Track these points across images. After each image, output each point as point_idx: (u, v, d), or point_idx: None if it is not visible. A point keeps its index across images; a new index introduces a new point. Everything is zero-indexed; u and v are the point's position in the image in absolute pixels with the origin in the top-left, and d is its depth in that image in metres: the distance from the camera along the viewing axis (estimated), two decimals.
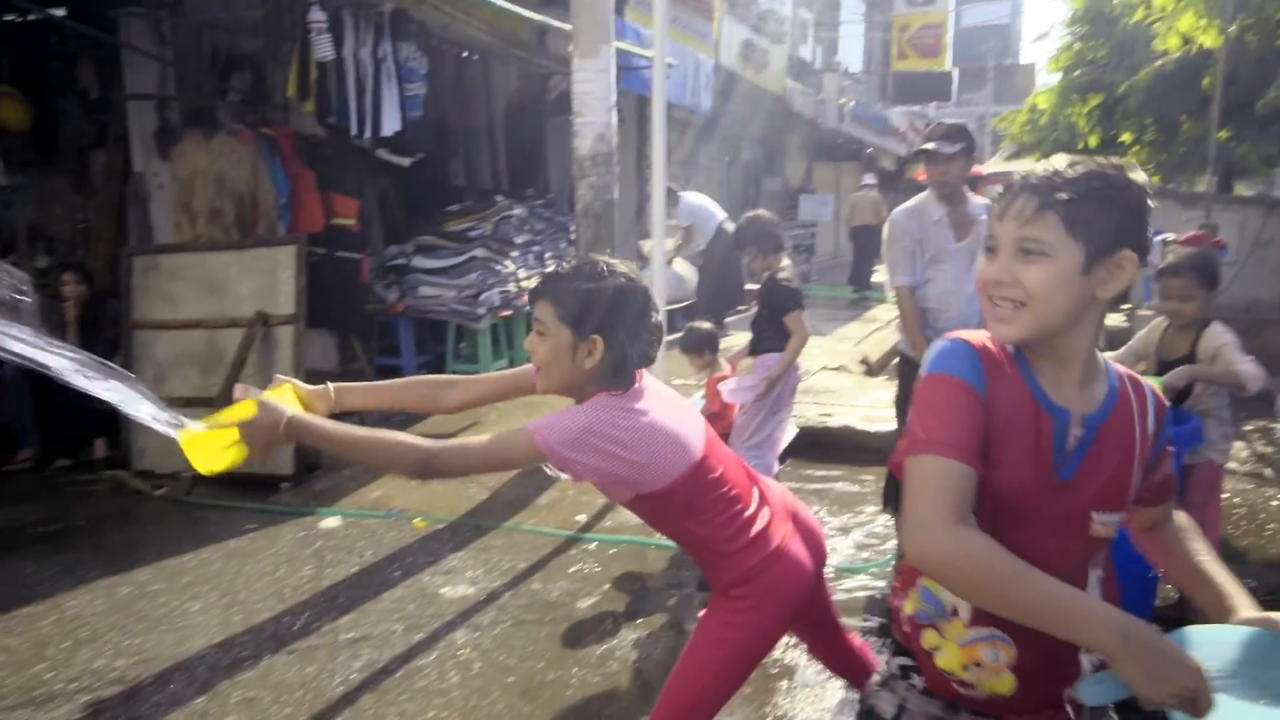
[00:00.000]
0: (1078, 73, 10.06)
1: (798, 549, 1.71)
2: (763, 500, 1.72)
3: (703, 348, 3.94)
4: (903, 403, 3.41)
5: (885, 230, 3.36)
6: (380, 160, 6.04)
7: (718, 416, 3.73)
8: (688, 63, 9.59)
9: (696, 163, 12.56)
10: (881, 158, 22.74)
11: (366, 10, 5.16)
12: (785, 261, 3.67)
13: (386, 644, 2.93)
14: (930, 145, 3.21)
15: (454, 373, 6.64)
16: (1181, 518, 1.34)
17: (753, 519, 1.66)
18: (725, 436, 3.73)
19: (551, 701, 2.61)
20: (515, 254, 6.66)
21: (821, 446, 5.18)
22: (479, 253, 6.29)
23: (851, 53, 20.67)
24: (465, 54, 6.80)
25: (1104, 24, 9.60)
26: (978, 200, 3.34)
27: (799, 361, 3.63)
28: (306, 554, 3.74)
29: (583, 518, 4.11)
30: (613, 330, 1.53)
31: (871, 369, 7.59)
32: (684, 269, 9.23)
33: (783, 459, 3.95)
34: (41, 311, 4.97)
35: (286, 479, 4.64)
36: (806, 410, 5.62)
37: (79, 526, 4.04)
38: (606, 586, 3.41)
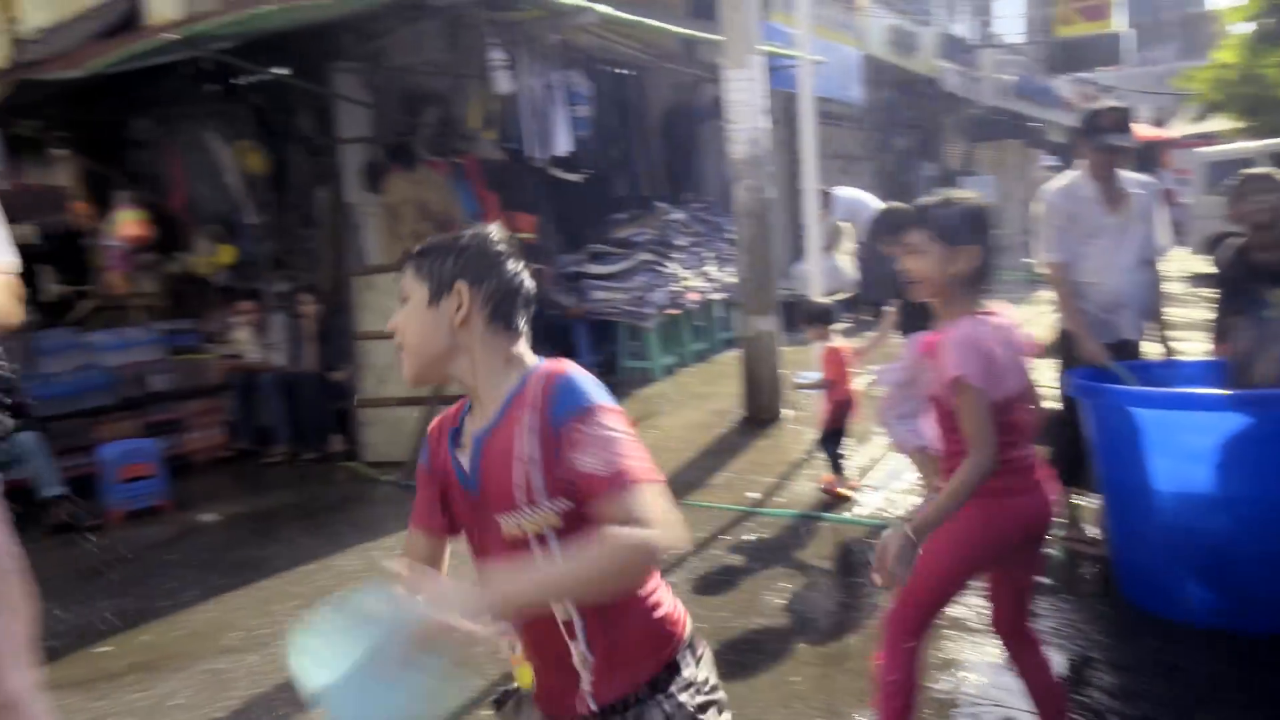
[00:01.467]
0: (1262, 22, 9.33)
1: (1042, 489, 1.97)
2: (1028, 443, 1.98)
3: (816, 321, 4.37)
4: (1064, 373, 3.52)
5: (1039, 208, 3.48)
6: (553, 177, 6.64)
7: (833, 383, 4.17)
8: (835, 56, 9.71)
9: (849, 154, 12.58)
10: (1050, 131, 21.61)
11: (537, 45, 5.73)
12: None
13: None
14: (1113, 140, 3.23)
15: (625, 368, 7.17)
16: (620, 532, 1.15)
17: (1019, 448, 1.93)
18: (842, 403, 4.20)
19: (741, 645, 2.98)
20: (678, 256, 7.09)
21: None
22: (645, 256, 6.77)
23: (1010, 24, 19.84)
24: (621, 72, 7.31)
25: None
26: (1130, 175, 3.41)
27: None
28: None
29: (755, 495, 4.46)
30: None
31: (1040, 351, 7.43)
32: (843, 261, 9.36)
33: None
34: (285, 328, 5.87)
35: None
36: None
37: (329, 506, 4.82)
38: (779, 553, 3.74)
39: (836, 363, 4.23)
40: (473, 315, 1.31)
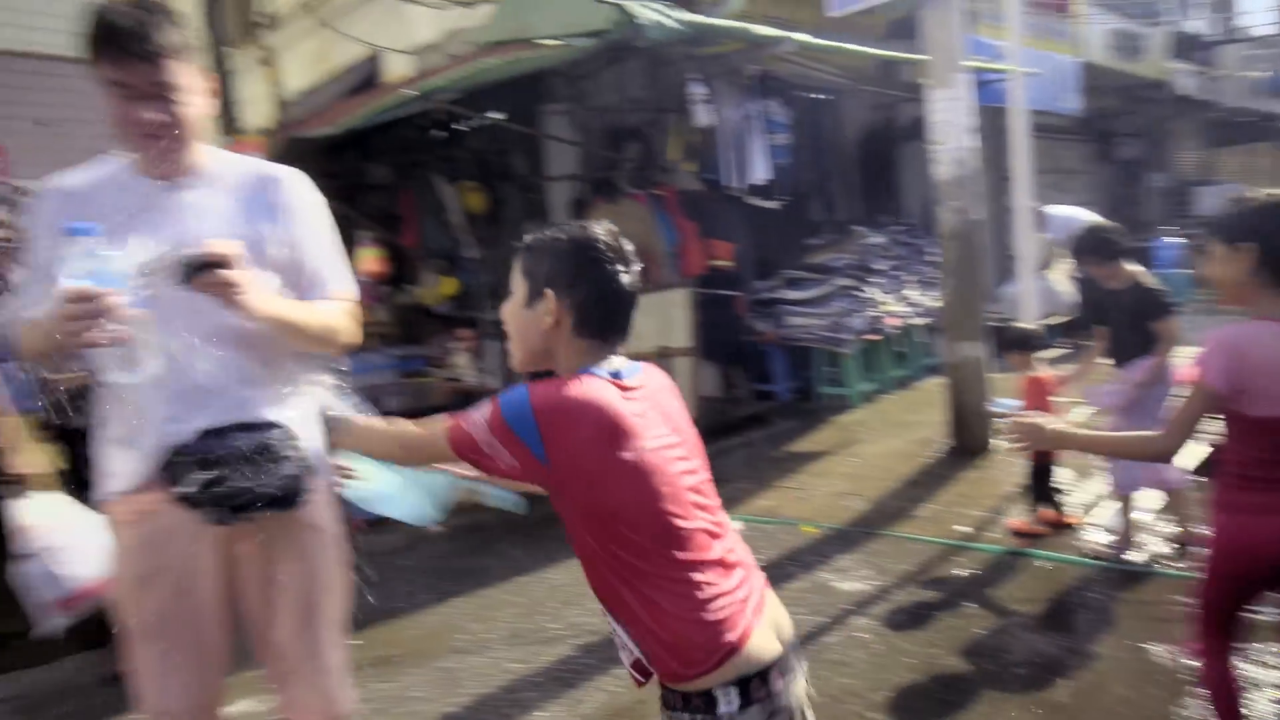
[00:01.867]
0: None
1: None
2: None
3: (1017, 346, 4.07)
4: None
5: None
6: (750, 204, 6.72)
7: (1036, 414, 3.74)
8: (1048, 66, 9.17)
9: (1066, 168, 11.78)
10: None
11: (735, 76, 5.86)
12: (1129, 268, 3.64)
13: (795, 624, 3.39)
14: None
15: (823, 395, 7.08)
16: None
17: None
18: None
19: (954, 681, 2.87)
20: (877, 280, 6.94)
21: None
22: (843, 281, 6.68)
23: (1257, 16, 17.81)
24: (816, 96, 7.29)
25: None
26: None
27: (1171, 370, 3.52)
28: None
29: (964, 528, 4.27)
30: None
31: None
32: (1060, 282, 8.77)
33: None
34: (500, 353, 6.30)
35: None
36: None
37: (541, 520, 5.09)
38: (991, 590, 3.56)
39: (1038, 392, 3.98)
40: (561, 321, 1.38)
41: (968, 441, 5.28)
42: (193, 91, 1.65)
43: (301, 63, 10.03)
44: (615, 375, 1.41)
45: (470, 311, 7.15)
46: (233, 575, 1.76)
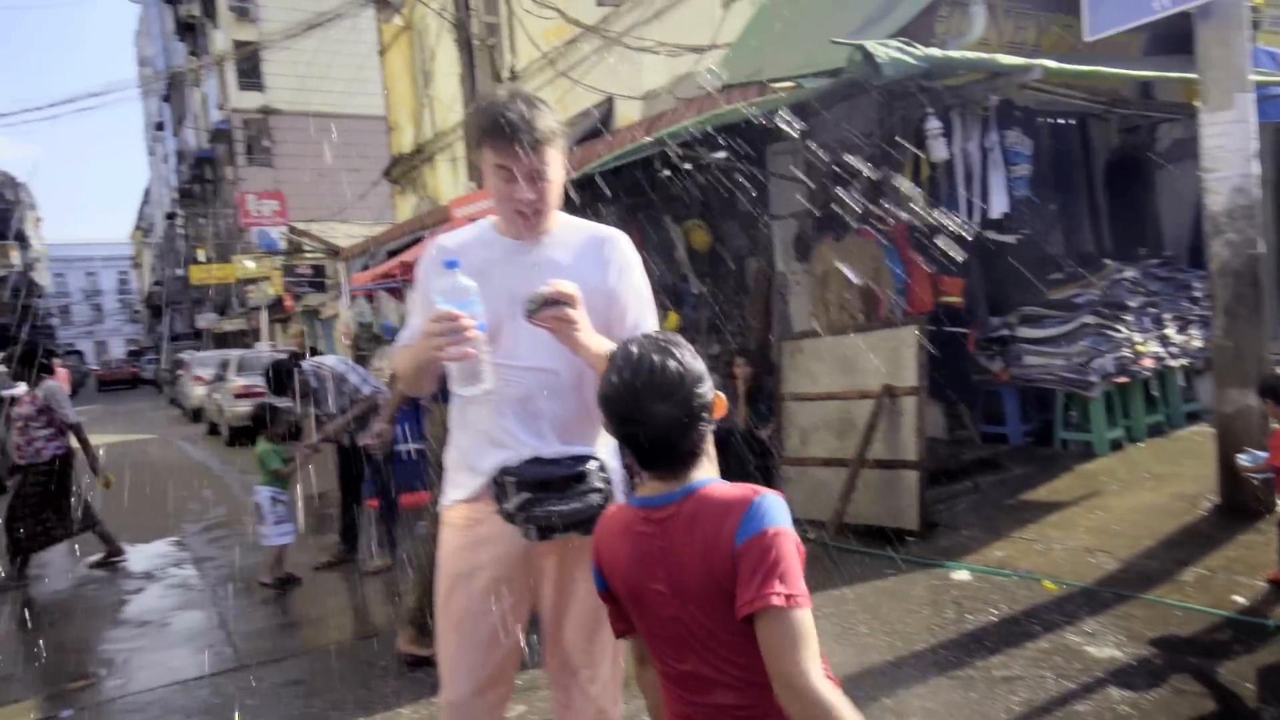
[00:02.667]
0: None
1: None
2: None
3: (1271, 394, 3.80)
4: None
5: None
6: (984, 238, 6.43)
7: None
8: None
9: None
10: None
11: (973, 107, 5.66)
12: None
13: (1040, 687, 3.19)
14: None
15: (1063, 441, 6.58)
16: None
17: None
18: None
19: None
20: (1130, 318, 6.38)
21: None
22: (1089, 319, 6.21)
23: None
24: (1060, 122, 6.86)
25: None
26: None
27: None
28: (946, 600, 4.19)
29: (1242, 599, 3.82)
30: None
31: None
32: None
33: None
34: (719, 388, 6.41)
35: (912, 533, 5.19)
36: None
37: None
38: (1270, 671, 3.16)
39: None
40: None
41: (1241, 500, 4.71)
42: (559, 169, 1.91)
43: None
44: (644, 503, 1.40)
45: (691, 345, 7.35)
46: (536, 584, 2.00)
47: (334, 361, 5.55)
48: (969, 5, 5.74)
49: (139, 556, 6.90)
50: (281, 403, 5.41)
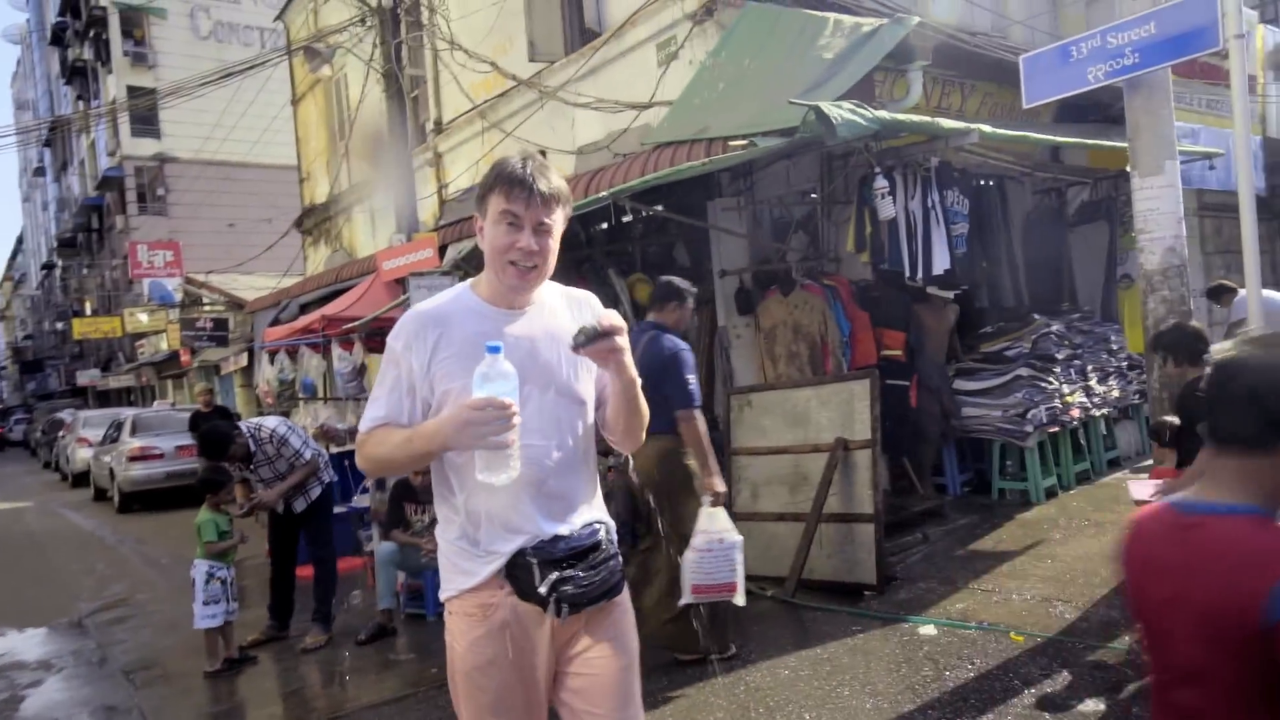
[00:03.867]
0: None
1: None
2: None
3: (1157, 436, 4.23)
4: None
5: None
6: (917, 293, 6.62)
7: None
8: (1225, 145, 8.79)
9: (1238, 248, 11.11)
10: None
11: (914, 168, 5.86)
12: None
13: None
14: None
15: (1001, 491, 6.76)
16: None
17: None
18: None
19: None
20: (1058, 370, 6.65)
21: None
22: (1023, 372, 6.44)
23: None
24: (985, 183, 7.19)
25: None
26: None
27: None
28: (919, 656, 4.15)
29: None
30: None
31: None
32: None
33: None
34: None
35: (870, 588, 5.17)
36: None
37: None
38: None
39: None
40: None
41: None
42: (559, 234, 1.87)
43: (466, 163, 10.72)
44: (1187, 508, 1.39)
45: None
46: (559, 659, 1.90)
47: (274, 423, 5.18)
48: (907, 72, 5.98)
49: (29, 643, 6.22)
50: (224, 467, 5.01)
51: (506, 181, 1.79)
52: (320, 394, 8.88)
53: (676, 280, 4.46)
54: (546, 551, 1.78)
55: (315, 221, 15.72)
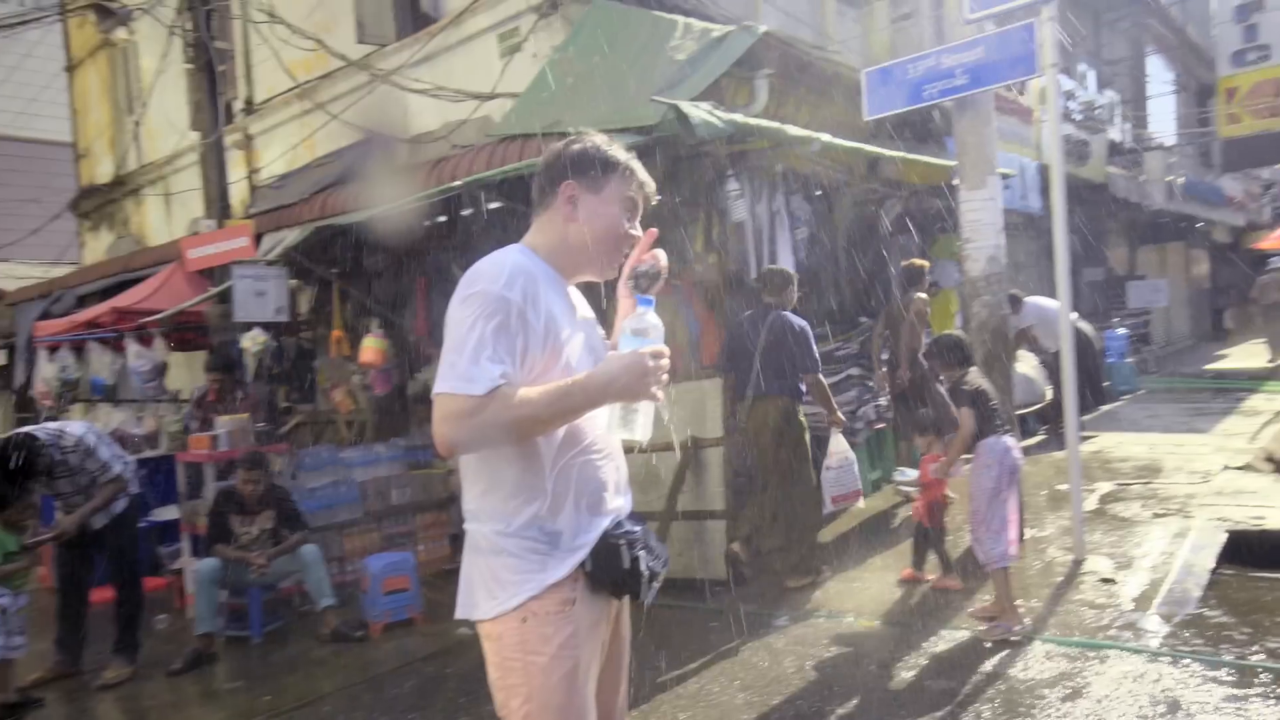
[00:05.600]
0: None
1: None
2: None
3: (925, 430, 5.04)
4: None
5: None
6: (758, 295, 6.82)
7: (928, 486, 4.85)
8: (1015, 167, 9.78)
9: (1016, 261, 12.40)
10: (1216, 231, 20.74)
11: (761, 173, 6.03)
12: (971, 370, 4.44)
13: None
14: None
15: None
16: None
17: None
18: (933, 503, 4.88)
19: None
20: (883, 369, 7.08)
21: (1264, 552, 4.92)
22: (854, 371, 6.80)
23: (1161, 125, 19.38)
24: (822, 192, 7.54)
25: None
26: None
27: (1010, 446, 4.26)
28: (779, 647, 4.25)
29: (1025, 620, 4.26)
30: None
31: None
32: (1032, 371, 9.11)
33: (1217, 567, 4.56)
34: None
35: (721, 583, 5.25)
36: (1231, 513, 5.36)
37: None
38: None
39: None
40: None
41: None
42: None
43: (282, 147, 9.93)
44: None
45: None
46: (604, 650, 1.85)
47: (80, 430, 4.47)
48: (753, 79, 6.14)
49: None
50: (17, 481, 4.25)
51: (630, 168, 1.82)
52: (112, 395, 7.90)
53: (784, 268, 5.59)
54: (627, 530, 1.72)
55: (95, 204, 14.02)
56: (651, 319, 1.69)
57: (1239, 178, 20.03)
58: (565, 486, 1.69)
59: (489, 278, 1.65)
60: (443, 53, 8.04)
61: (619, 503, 1.78)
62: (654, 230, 1.84)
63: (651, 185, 1.84)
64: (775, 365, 5.07)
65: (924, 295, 6.97)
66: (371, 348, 6.83)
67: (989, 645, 4.01)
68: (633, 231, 1.83)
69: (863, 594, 4.91)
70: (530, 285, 1.67)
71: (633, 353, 1.63)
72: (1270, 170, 20.79)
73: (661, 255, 1.83)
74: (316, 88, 9.16)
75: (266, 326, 6.55)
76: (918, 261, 7.15)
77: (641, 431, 1.69)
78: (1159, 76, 19.57)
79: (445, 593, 5.94)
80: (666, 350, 1.66)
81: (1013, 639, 4.01)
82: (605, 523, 1.72)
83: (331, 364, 7.84)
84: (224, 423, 5.69)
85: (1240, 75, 15.28)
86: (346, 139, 8.93)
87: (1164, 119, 19.84)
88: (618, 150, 1.83)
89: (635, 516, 1.81)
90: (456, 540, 6.46)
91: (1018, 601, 4.26)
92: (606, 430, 1.71)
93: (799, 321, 5.17)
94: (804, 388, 5.17)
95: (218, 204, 7.72)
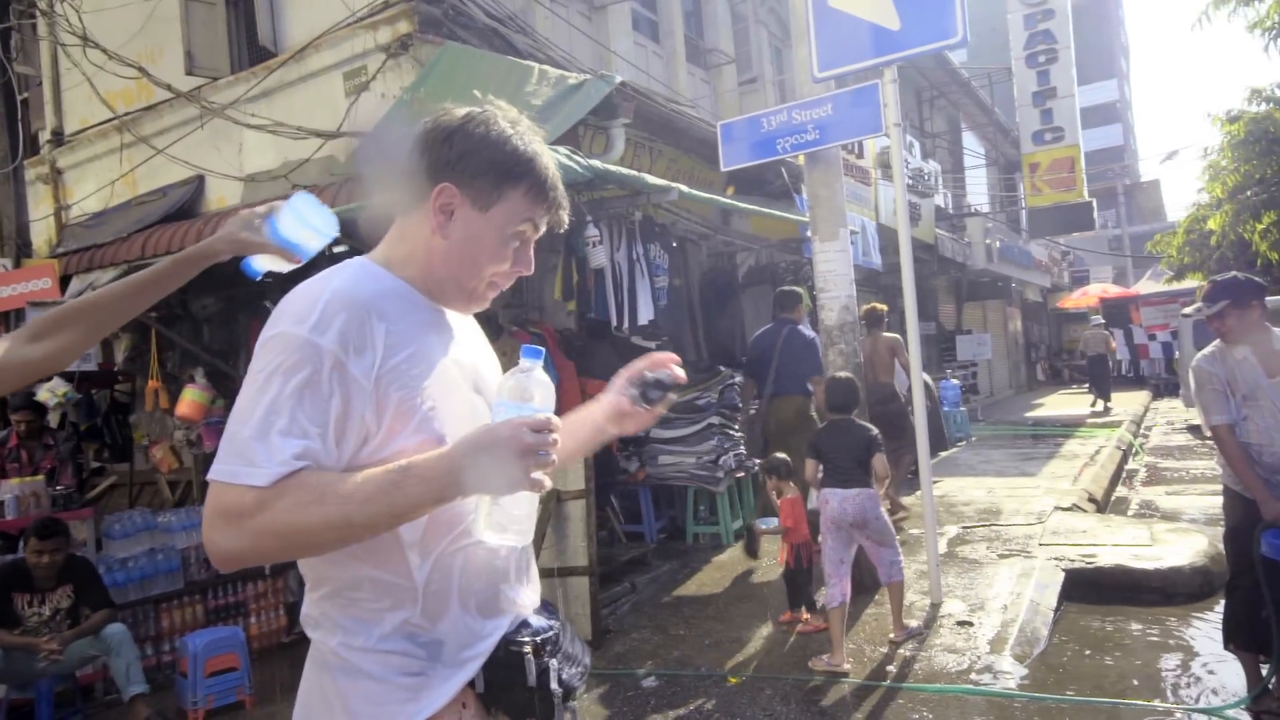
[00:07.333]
0: (1249, 193, 10.16)
1: None
2: None
3: (774, 473, 5.14)
4: (1233, 537, 3.50)
5: (1191, 377, 3.57)
6: (618, 345, 6.74)
7: (790, 529, 4.96)
8: (858, 225, 10.28)
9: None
10: (1026, 290, 22.72)
11: (621, 220, 5.98)
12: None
13: None
14: (1190, 311, 3.51)
15: (695, 535, 7.02)
16: None
17: None
18: (800, 546, 4.97)
19: None
20: (741, 419, 7.12)
21: (1096, 588, 5.20)
22: (715, 420, 6.79)
23: (977, 194, 21.21)
24: (680, 242, 7.61)
25: (1272, 144, 9.78)
26: None
27: (826, 496, 4.44)
28: (649, 709, 4.04)
29: (892, 666, 4.27)
30: None
31: (1101, 507, 7.47)
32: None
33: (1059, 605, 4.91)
34: None
35: (588, 642, 5.00)
36: (1066, 552, 5.65)
37: None
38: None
39: (795, 511, 4.96)
40: None
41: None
42: None
43: (97, 182, 9.06)
44: None
45: None
46: None
47: None
48: (610, 129, 6.12)
49: None
50: None
51: (539, 183, 1.32)
52: None
53: (795, 288, 6.59)
54: (535, 630, 1.29)
55: None
56: (539, 376, 1.24)
57: (1044, 244, 22.13)
58: (445, 582, 1.24)
59: (294, 316, 1.18)
60: (283, 89, 7.60)
61: (524, 595, 1.33)
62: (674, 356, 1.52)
63: (565, 206, 1.38)
64: (790, 369, 6.04)
65: (895, 335, 7.40)
66: (190, 400, 6.20)
67: (848, 691, 3.97)
68: (525, 260, 1.37)
69: (733, 648, 4.78)
70: (359, 322, 1.19)
71: (506, 423, 1.16)
72: (1066, 238, 23.10)
73: (680, 372, 1.46)
74: (139, 120, 8.44)
75: (69, 376, 5.82)
76: (878, 306, 7.80)
77: (518, 535, 1.25)
78: (974, 150, 21.48)
79: (280, 669, 5.39)
80: (556, 422, 1.18)
81: (839, 673, 4.17)
82: (504, 624, 1.29)
83: (149, 418, 7.10)
84: (11, 487, 4.94)
85: (1040, 152, 16.93)
86: (173, 175, 8.27)
87: (979, 188, 21.73)
88: (533, 144, 1.32)
89: (547, 608, 1.38)
90: (294, 609, 5.90)
91: (885, 646, 4.27)
92: (484, 534, 1.25)
93: (810, 333, 6.13)
94: (810, 387, 6.01)
95: (14, 241, 6.90)
